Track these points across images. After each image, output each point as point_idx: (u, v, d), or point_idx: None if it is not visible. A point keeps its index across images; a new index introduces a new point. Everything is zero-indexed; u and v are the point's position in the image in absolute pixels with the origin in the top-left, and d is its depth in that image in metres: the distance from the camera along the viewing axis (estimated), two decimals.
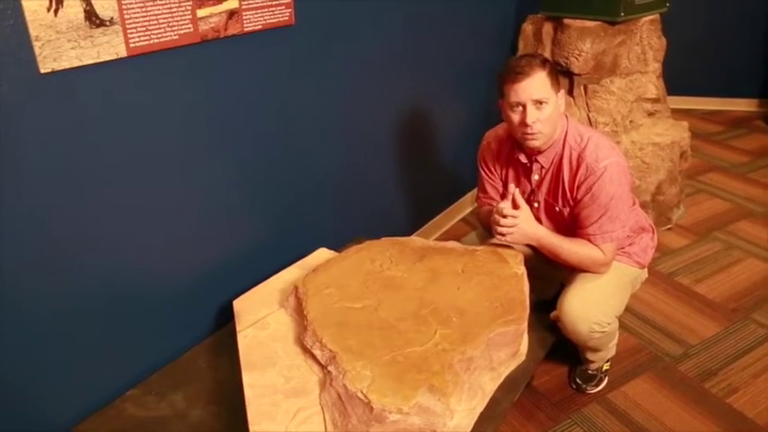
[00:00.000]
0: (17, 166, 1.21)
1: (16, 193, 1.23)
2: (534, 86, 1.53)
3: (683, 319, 2.24)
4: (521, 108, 1.56)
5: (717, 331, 2.17)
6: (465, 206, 3.04)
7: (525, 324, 1.52)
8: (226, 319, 1.76)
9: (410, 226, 2.69)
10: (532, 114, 1.54)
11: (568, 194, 1.65)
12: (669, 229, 2.79)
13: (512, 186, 1.68)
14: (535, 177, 1.72)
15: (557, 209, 1.71)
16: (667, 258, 2.60)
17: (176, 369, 1.60)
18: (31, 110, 1.20)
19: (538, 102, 1.54)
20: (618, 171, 1.57)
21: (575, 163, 1.61)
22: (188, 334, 1.72)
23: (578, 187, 1.61)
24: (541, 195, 1.73)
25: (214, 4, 1.47)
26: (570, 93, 2.65)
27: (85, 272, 1.41)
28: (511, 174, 1.80)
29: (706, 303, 2.32)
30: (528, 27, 2.80)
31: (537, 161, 1.69)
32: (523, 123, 1.56)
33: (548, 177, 1.69)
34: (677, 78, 3.92)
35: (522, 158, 1.71)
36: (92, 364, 1.48)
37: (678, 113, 3.96)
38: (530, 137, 1.58)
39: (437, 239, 2.81)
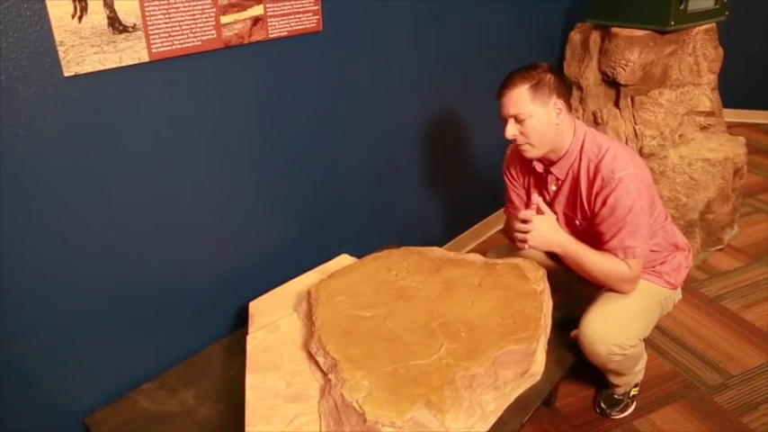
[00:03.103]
0: (41, 166, 1.28)
1: (42, 192, 1.29)
2: (511, 102, 1.54)
3: (726, 346, 2.11)
4: (504, 122, 1.57)
5: (762, 362, 2.03)
6: (503, 216, 2.97)
7: (537, 343, 1.47)
8: (245, 320, 1.79)
9: (444, 235, 2.65)
10: (510, 129, 1.56)
11: (586, 207, 1.59)
12: (720, 249, 2.64)
13: (535, 196, 1.64)
14: (552, 188, 1.67)
15: (576, 222, 1.65)
16: (715, 281, 2.46)
17: (192, 366, 1.64)
18: (55, 112, 1.26)
19: (515, 117, 1.54)
20: (635, 183, 1.50)
21: (591, 174, 1.55)
22: (208, 333, 1.76)
23: (595, 199, 1.55)
24: (559, 207, 1.68)
25: (238, 11, 1.50)
26: (616, 104, 2.56)
27: (109, 269, 1.47)
28: (532, 182, 1.75)
29: (753, 331, 2.17)
30: (576, 35, 2.71)
31: (551, 172, 1.64)
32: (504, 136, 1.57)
33: (565, 189, 1.64)
34: (742, 90, 3.71)
35: (538, 168, 1.67)
36: (112, 359, 1.54)
37: (742, 127, 3.76)
38: (518, 148, 1.60)
39: (473, 250, 2.76)
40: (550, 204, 1.70)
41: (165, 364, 1.64)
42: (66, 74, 1.25)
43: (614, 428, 1.80)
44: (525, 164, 1.74)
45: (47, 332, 1.39)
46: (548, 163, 1.64)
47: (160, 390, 1.55)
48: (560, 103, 1.55)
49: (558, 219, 1.69)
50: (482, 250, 2.53)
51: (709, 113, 2.54)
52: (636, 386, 1.85)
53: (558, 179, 1.64)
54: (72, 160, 1.32)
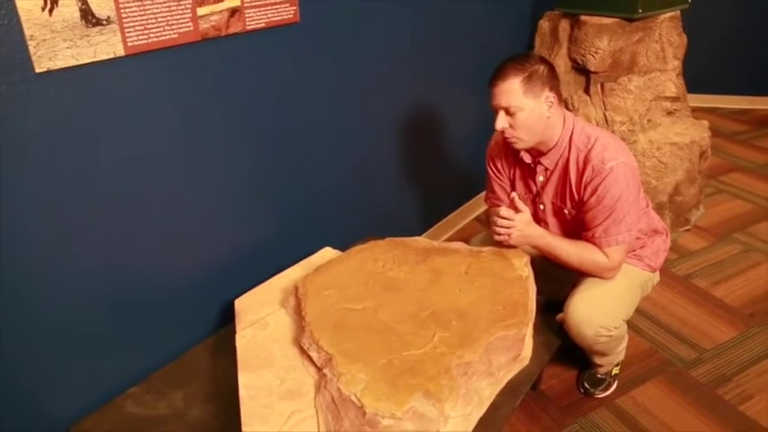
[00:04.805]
0: (14, 167, 1.22)
1: (14, 194, 1.23)
2: (503, 94, 1.52)
3: (698, 322, 2.18)
4: (494, 112, 1.56)
5: (732, 336, 2.11)
6: (479, 205, 3.00)
7: (527, 328, 1.49)
8: (230, 317, 1.75)
9: (421, 225, 2.66)
10: (500, 121, 1.55)
11: (576, 196, 1.61)
12: (687, 230, 2.72)
13: (513, 194, 1.66)
14: (540, 179, 1.69)
15: (565, 211, 1.67)
16: (684, 260, 2.54)
17: (178, 368, 1.60)
18: (27, 110, 1.21)
19: (506, 109, 1.53)
20: (625, 172, 1.53)
21: (581, 164, 1.57)
22: (192, 333, 1.72)
23: (585, 188, 1.57)
24: (547, 197, 1.70)
25: (215, 2, 1.46)
26: (586, 91, 2.60)
27: (88, 271, 1.42)
28: (518, 173, 1.76)
29: (722, 307, 2.25)
30: (545, 24, 2.75)
31: (540, 163, 1.65)
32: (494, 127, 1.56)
33: (554, 179, 1.66)
34: (702, 76, 3.82)
35: (526, 159, 1.68)
36: (95, 363, 1.49)
37: (702, 112, 3.87)
38: (507, 140, 1.59)
39: (449, 239, 2.78)
40: (538, 195, 1.72)
41: (151, 367, 1.59)
42: (37, 70, 1.19)
43: (598, 407, 1.84)
44: (511, 155, 1.75)
45: (25, 338, 1.33)
46: (537, 154, 1.65)
47: (147, 393, 1.51)
48: (552, 96, 1.55)
49: (544, 208, 1.72)
50: (458, 239, 2.55)
51: (675, 99, 2.61)
52: (617, 365, 1.90)
53: (547, 170, 1.66)
54: (47, 159, 1.27)
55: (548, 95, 1.54)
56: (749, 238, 2.67)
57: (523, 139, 1.57)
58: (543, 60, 1.57)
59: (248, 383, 1.35)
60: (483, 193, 2.93)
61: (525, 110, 1.52)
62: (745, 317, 2.19)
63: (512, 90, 1.50)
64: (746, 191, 3.10)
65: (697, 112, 2.79)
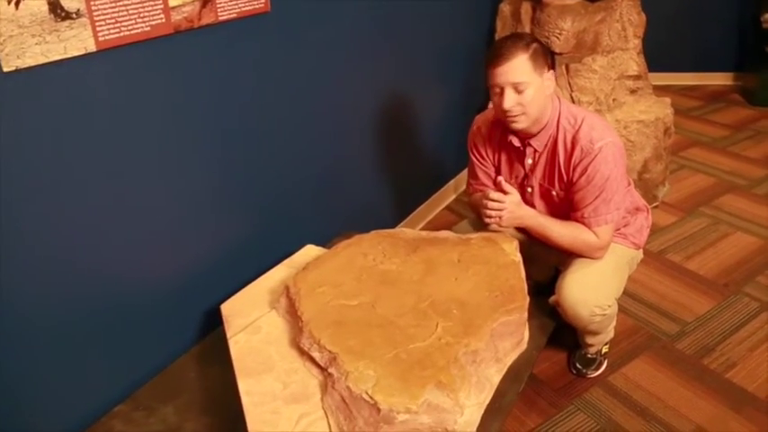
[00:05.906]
0: None
1: None
2: (512, 70, 1.49)
3: (677, 296, 2.23)
4: (499, 91, 1.53)
5: (711, 307, 2.16)
6: (448, 194, 2.99)
7: (527, 312, 1.48)
8: (213, 324, 1.68)
9: (394, 217, 2.63)
10: (509, 98, 1.51)
11: (565, 178, 1.61)
12: (656, 206, 2.78)
13: (499, 178, 1.64)
14: (528, 162, 1.68)
15: (553, 193, 1.67)
16: (657, 236, 2.59)
17: (164, 381, 1.52)
18: None
19: (516, 86, 1.50)
20: (613, 151, 1.54)
21: (569, 145, 1.57)
22: (174, 343, 1.64)
23: (574, 169, 1.57)
24: (535, 180, 1.69)
25: None
26: None
27: (59, 280, 1.32)
28: (503, 158, 1.75)
29: (698, 280, 2.31)
30: (505, 7, 2.76)
31: (530, 145, 1.64)
32: (501, 107, 1.53)
33: (542, 161, 1.65)
34: (654, 54, 3.92)
35: (515, 142, 1.66)
36: (73, 381, 1.40)
37: (657, 90, 3.97)
38: (511, 119, 1.55)
39: (422, 230, 2.75)
40: (527, 177, 1.71)
41: (135, 383, 1.51)
42: (5, 69, 1.09)
43: (592, 387, 1.85)
44: (495, 140, 1.73)
45: None
46: (526, 136, 1.63)
47: (135, 410, 1.42)
48: (551, 74, 1.56)
49: (533, 191, 1.71)
50: (432, 228, 2.53)
51: (637, 77, 2.66)
52: (606, 344, 1.92)
53: (536, 152, 1.65)
54: (17, 162, 1.17)
55: (549, 72, 1.55)
56: (715, 211, 2.75)
57: (529, 115, 1.54)
58: (536, 39, 1.57)
59: (250, 390, 1.29)
60: (451, 183, 2.97)
61: (533, 86, 1.50)
62: (720, 287, 2.26)
63: (521, 66, 1.49)
64: (707, 165, 3.20)
65: (653, 90, 2.85)
